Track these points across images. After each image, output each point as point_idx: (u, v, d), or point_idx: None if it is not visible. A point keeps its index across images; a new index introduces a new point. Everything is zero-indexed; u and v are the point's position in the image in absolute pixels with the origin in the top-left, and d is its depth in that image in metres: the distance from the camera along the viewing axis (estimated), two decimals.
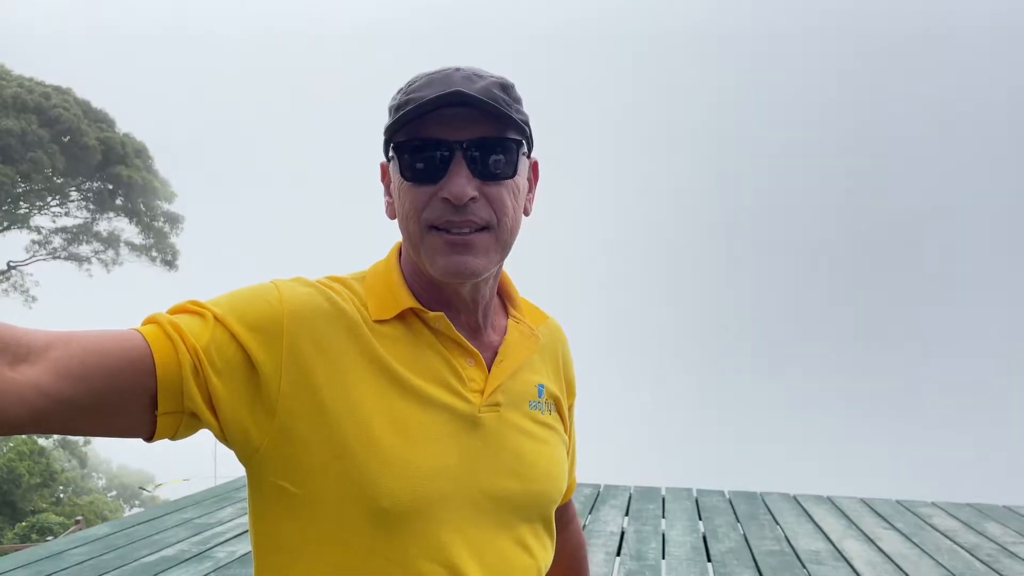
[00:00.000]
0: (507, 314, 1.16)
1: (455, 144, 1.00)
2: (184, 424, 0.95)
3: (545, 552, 1.10)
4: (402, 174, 1.02)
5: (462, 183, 0.99)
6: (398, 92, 1.05)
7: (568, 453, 1.26)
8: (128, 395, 0.90)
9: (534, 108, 1.11)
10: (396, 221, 1.08)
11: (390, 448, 0.98)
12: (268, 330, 0.97)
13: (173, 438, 0.97)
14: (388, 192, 1.09)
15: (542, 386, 1.14)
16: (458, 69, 1.03)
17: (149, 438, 0.94)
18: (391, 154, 1.04)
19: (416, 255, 1.05)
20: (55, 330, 0.89)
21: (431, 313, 1.04)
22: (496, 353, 1.10)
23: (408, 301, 1.05)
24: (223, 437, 0.97)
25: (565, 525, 1.34)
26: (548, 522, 1.11)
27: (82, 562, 4.22)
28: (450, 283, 1.05)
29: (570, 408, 1.27)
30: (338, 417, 0.97)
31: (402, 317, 1.05)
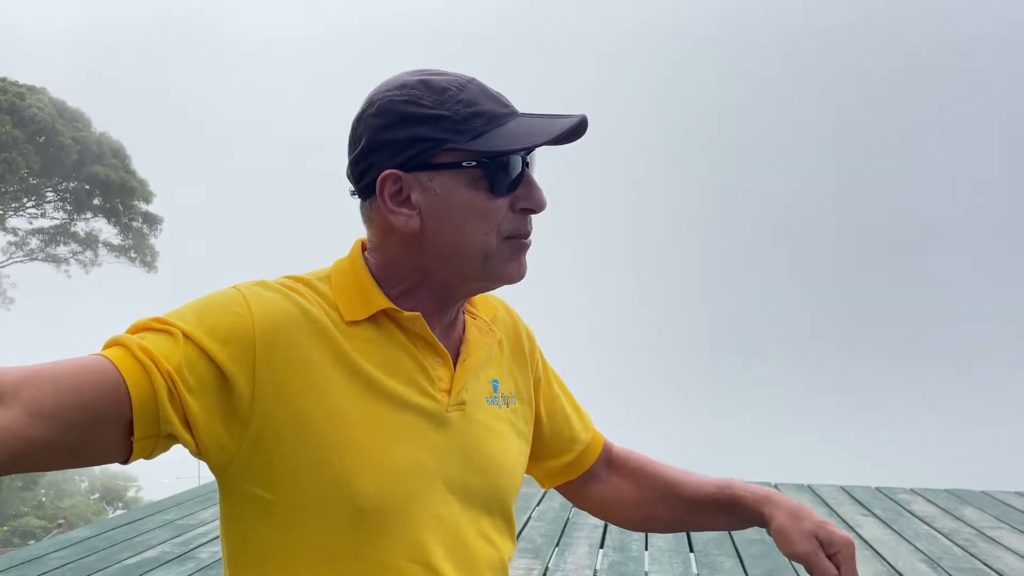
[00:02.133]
0: (463, 308, 1.15)
1: (526, 153, 1.02)
2: (160, 445, 0.94)
3: (505, 544, 1.13)
4: (492, 189, 1.00)
5: (543, 192, 1.04)
6: (452, 100, 0.98)
7: (566, 411, 1.30)
8: (103, 426, 0.89)
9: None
10: (408, 230, 1.01)
11: (366, 449, 0.99)
12: (239, 342, 0.95)
13: (149, 458, 0.96)
14: (404, 205, 1.01)
15: (496, 381, 1.16)
16: (475, 80, 1.03)
17: (125, 461, 0.94)
18: (468, 166, 0.98)
19: (479, 265, 1.03)
20: (21, 366, 0.87)
21: (406, 314, 1.04)
22: (459, 351, 1.10)
23: (382, 302, 1.04)
24: (198, 452, 0.96)
25: (616, 457, 1.36)
26: (507, 515, 1.14)
27: (63, 565, 4.19)
28: (496, 286, 1.08)
29: (545, 366, 1.28)
30: (313, 421, 0.97)
31: (373, 318, 1.04)
